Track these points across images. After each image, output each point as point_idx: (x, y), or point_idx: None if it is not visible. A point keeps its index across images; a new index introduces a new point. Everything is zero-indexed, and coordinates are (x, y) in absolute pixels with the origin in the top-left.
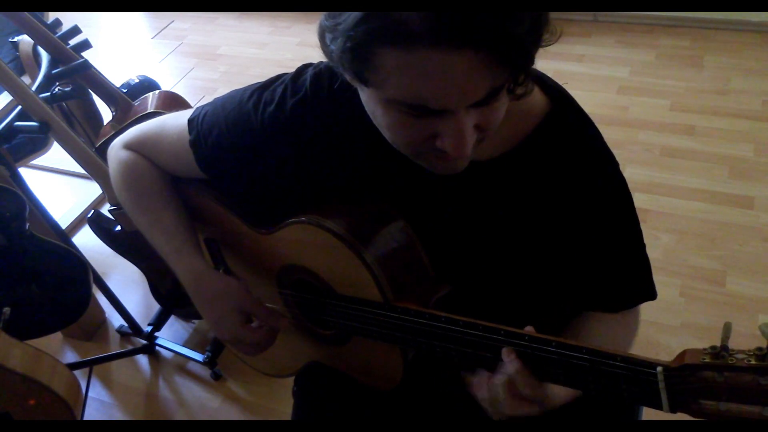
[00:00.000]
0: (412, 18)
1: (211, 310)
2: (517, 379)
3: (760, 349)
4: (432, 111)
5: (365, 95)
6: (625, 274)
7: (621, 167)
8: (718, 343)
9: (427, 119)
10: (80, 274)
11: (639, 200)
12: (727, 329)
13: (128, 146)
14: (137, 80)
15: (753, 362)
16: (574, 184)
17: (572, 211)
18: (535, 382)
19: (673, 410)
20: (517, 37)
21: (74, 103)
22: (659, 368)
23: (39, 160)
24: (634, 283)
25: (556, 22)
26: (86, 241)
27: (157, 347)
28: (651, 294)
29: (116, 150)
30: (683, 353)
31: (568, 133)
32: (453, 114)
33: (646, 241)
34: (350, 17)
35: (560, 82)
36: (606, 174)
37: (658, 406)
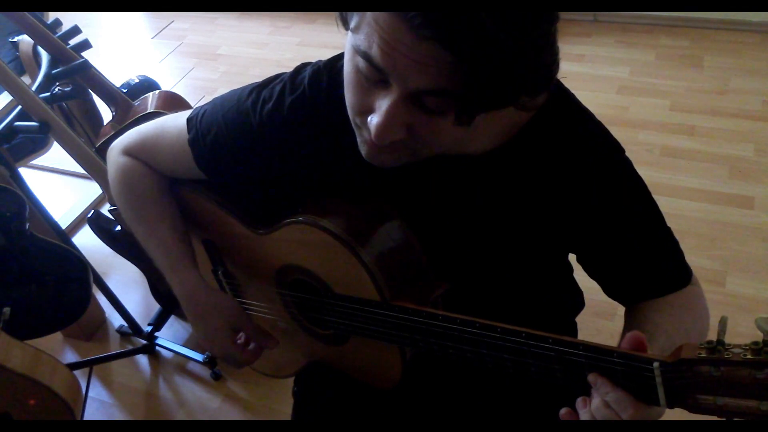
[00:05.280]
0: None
1: (203, 325)
2: (613, 403)
3: (755, 343)
4: (377, 73)
5: (347, 40)
6: (661, 254)
7: None
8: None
9: (372, 89)
10: (80, 274)
11: None
12: (722, 324)
13: (127, 151)
14: (137, 80)
15: (749, 356)
16: (579, 173)
17: (582, 201)
18: (639, 405)
19: (670, 406)
20: (477, 59)
21: (74, 103)
22: (656, 363)
23: (39, 160)
24: (673, 261)
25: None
26: (86, 241)
27: (157, 347)
28: (689, 271)
29: (115, 155)
30: (680, 348)
31: (566, 124)
32: (392, 92)
33: None
34: None
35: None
36: (612, 159)
37: (655, 402)
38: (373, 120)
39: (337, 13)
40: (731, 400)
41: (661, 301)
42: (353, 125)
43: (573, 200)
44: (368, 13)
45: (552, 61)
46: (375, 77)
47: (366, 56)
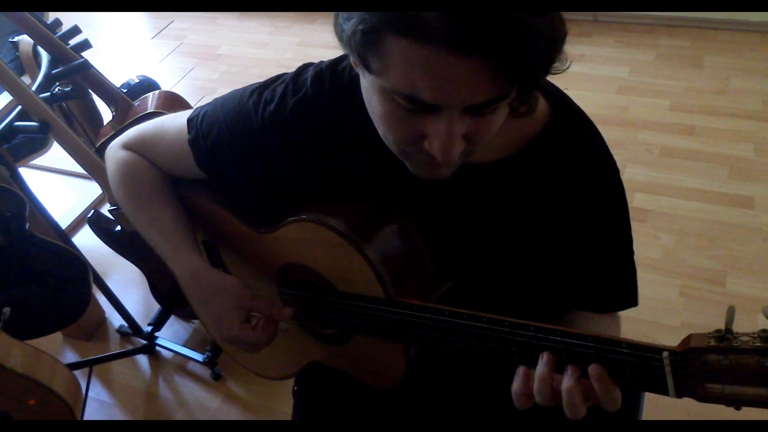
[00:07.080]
0: (430, 15)
1: (209, 308)
2: (606, 396)
3: (764, 330)
4: (425, 107)
5: (366, 82)
6: (614, 279)
7: (621, 167)
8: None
9: (419, 117)
10: (80, 274)
11: (639, 200)
12: (731, 312)
13: (127, 146)
14: (137, 80)
15: (758, 344)
16: (573, 188)
17: (570, 214)
18: (612, 385)
19: (679, 395)
20: (528, 56)
21: (74, 103)
22: (665, 353)
23: (39, 160)
24: (621, 288)
25: None
26: (86, 241)
27: (157, 347)
28: (634, 301)
29: (115, 150)
30: (688, 337)
31: (571, 139)
32: (445, 115)
33: (646, 241)
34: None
35: (561, 87)
36: (605, 181)
37: (664, 392)
38: (435, 144)
39: (357, 59)
40: (739, 388)
41: (598, 318)
42: (399, 154)
43: (563, 211)
44: (394, 53)
45: (565, 30)
46: (421, 109)
47: (410, 97)
